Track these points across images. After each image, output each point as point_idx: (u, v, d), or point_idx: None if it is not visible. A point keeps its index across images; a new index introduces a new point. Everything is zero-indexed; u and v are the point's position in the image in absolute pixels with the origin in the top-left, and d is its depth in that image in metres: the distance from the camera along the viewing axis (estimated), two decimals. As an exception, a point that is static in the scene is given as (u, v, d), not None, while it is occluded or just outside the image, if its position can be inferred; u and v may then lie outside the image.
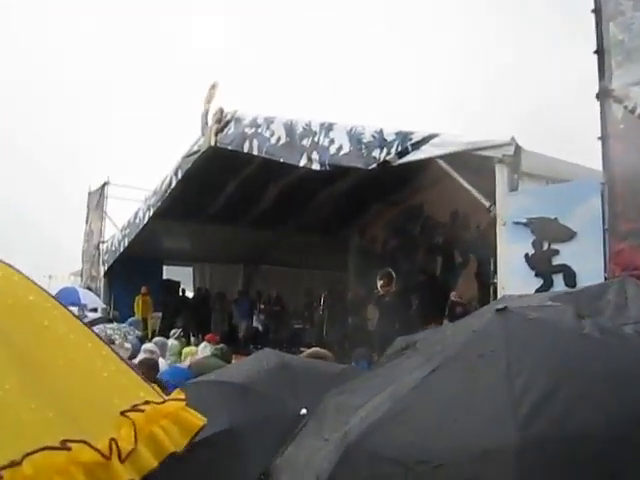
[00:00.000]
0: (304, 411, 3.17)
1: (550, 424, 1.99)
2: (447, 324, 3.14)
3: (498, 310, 2.49)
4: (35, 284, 2.24)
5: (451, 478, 2.03)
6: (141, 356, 8.94)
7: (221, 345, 10.37)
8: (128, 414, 1.91)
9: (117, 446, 1.78)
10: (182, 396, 2.20)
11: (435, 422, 2.19)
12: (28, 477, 1.56)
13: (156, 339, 11.89)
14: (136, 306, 20.06)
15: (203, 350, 11.43)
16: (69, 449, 1.67)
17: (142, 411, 1.97)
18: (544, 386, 2.09)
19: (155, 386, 2.22)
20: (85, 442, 1.71)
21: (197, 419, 2.14)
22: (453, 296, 14.42)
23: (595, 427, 1.96)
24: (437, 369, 2.37)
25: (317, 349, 8.92)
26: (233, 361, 10.04)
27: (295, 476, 2.47)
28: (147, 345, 10.08)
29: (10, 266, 2.21)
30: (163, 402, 2.09)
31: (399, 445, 2.17)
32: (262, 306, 21.70)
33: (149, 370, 7.45)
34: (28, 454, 1.59)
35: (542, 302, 2.69)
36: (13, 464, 1.55)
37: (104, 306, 18.94)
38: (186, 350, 11.81)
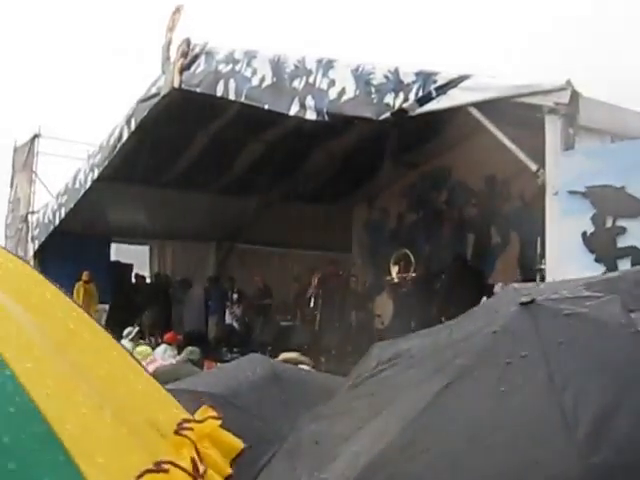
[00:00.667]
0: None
1: (616, 451, 1.99)
2: (442, 325, 2.97)
3: (523, 304, 2.44)
4: (44, 278, 2.47)
5: None
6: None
7: (192, 348, 10.38)
8: (183, 433, 2.17)
9: (198, 467, 2.06)
10: (215, 414, 2.43)
11: (461, 453, 2.15)
12: None
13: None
14: (75, 295, 20.05)
15: (163, 354, 11.46)
16: (167, 471, 1.94)
17: (191, 429, 2.22)
18: (599, 401, 2.09)
19: (175, 403, 2.46)
20: (174, 463, 1.97)
21: (236, 442, 2.40)
22: (500, 287, 14.47)
23: None
24: (453, 382, 2.34)
25: (291, 355, 9.00)
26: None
27: None
28: None
29: (17, 256, 2.50)
30: (202, 421, 2.34)
31: None
32: (235, 296, 21.67)
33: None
34: (140, 475, 1.84)
35: (576, 292, 2.60)
36: None
37: None
38: (138, 350, 11.80)
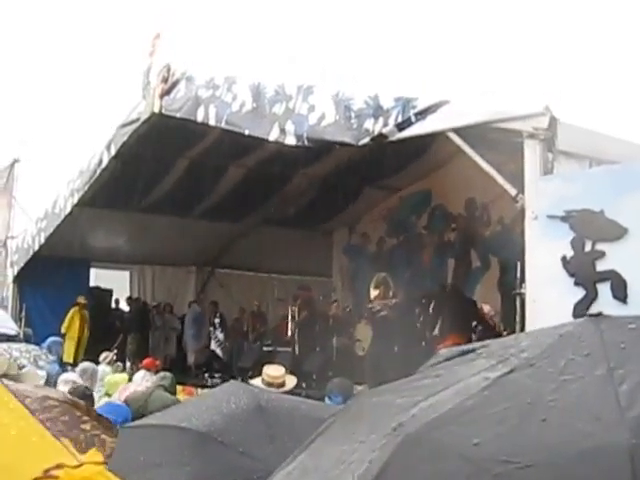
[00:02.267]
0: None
1: None
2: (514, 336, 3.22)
3: (591, 315, 2.63)
4: None
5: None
6: (62, 387, 8.91)
7: (164, 373, 10.30)
8: (49, 474, 2.15)
9: None
10: (100, 458, 2.45)
11: (516, 421, 2.28)
12: None
13: (83, 365, 11.82)
14: (68, 321, 19.99)
15: (141, 381, 11.36)
16: None
17: (55, 477, 2.19)
18: None
19: (69, 446, 2.44)
20: None
21: None
22: (487, 310, 14.47)
23: None
24: (515, 370, 2.47)
25: (275, 373, 8.96)
26: (179, 395, 10.04)
27: None
28: (66, 375, 10.02)
29: None
30: (79, 466, 2.29)
31: (471, 442, 2.23)
32: (217, 320, 21.62)
33: (84, 401, 7.46)
34: None
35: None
36: None
37: (16, 328, 18.84)
38: (116, 378, 11.71)
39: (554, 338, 2.62)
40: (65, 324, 19.83)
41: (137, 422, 4.71)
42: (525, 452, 2.17)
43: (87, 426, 4.22)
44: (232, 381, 4.94)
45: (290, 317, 19.31)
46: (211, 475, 3.52)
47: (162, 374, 10.04)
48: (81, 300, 20.18)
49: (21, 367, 9.59)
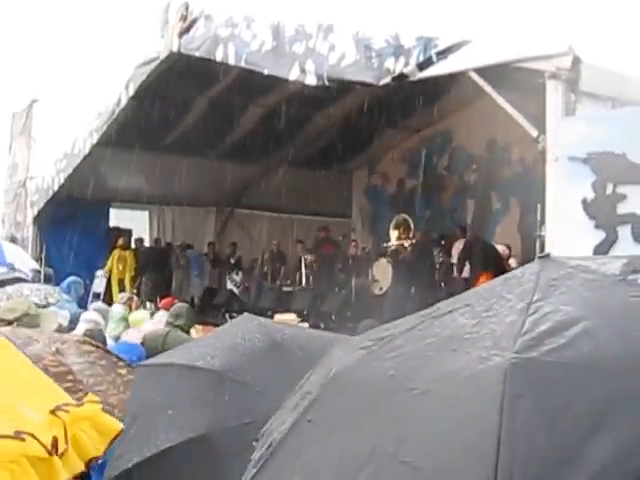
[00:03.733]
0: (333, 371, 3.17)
1: (550, 350, 2.23)
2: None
3: (540, 257, 2.78)
4: None
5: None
6: (82, 327, 9.00)
7: (178, 308, 9.93)
8: (58, 413, 2.27)
9: (57, 444, 2.15)
10: (97, 399, 2.57)
11: (431, 353, 2.51)
12: None
13: (95, 305, 11.90)
14: (109, 263, 20.27)
15: (160, 321, 11.42)
16: (23, 440, 2.05)
17: (67, 412, 2.32)
18: (559, 318, 2.33)
19: (61, 391, 2.57)
20: (34, 436, 2.08)
21: (114, 424, 2.53)
22: (502, 250, 14.48)
23: (605, 358, 2.20)
24: (453, 310, 2.71)
25: (286, 317, 9.02)
26: (192, 332, 10.00)
27: None
28: (88, 314, 10.06)
29: None
30: (80, 405, 2.45)
31: (387, 374, 2.52)
32: (232, 261, 21.77)
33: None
34: None
35: (602, 258, 2.99)
36: None
37: (35, 267, 19.02)
38: (132, 318, 11.77)
39: (500, 281, 2.83)
40: (107, 266, 20.16)
41: (152, 360, 4.71)
42: (427, 379, 2.39)
43: (123, 370, 4.31)
44: (246, 314, 4.86)
45: (308, 258, 19.40)
46: (230, 416, 3.54)
47: (176, 311, 9.66)
48: (121, 242, 20.44)
49: (43, 306, 9.68)
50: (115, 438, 2.49)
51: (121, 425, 2.53)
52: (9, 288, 10.96)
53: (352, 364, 2.75)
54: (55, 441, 2.14)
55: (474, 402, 2.24)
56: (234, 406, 3.61)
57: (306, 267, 19.48)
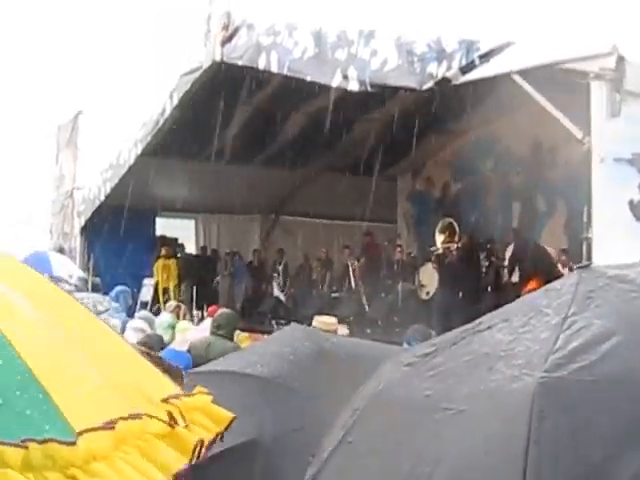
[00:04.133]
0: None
1: (579, 368, 2.24)
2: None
3: (579, 267, 2.75)
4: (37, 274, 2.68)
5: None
6: (129, 334, 9.08)
7: (220, 316, 9.79)
8: (171, 401, 2.30)
9: (176, 419, 2.21)
10: (207, 390, 2.54)
11: (467, 372, 2.53)
12: (119, 440, 1.99)
13: (141, 313, 12.01)
14: (155, 272, 20.47)
15: (205, 328, 11.47)
16: (141, 418, 2.09)
17: (179, 400, 2.34)
18: (591, 333, 2.33)
19: (170, 382, 2.57)
20: (151, 415, 2.14)
21: (226, 413, 2.49)
22: (558, 255, 14.34)
23: (633, 374, 2.21)
24: (492, 326, 2.72)
25: (326, 320, 8.98)
26: (246, 342, 10.03)
27: None
28: (134, 322, 10.15)
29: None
30: (192, 395, 2.46)
31: (423, 394, 2.55)
32: (279, 267, 21.83)
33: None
34: (113, 420, 2.01)
35: None
36: (106, 427, 1.98)
37: (82, 275, 19.20)
38: (179, 326, 11.85)
39: (540, 292, 2.82)
40: (155, 276, 20.42)
41: (200, 368, 4.78)
42: (462, 398, 2.40)
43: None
44: (293, 324, 4.94)
45: (355, 263, 19.39)
46: (279, 421, 3.59)
47: (217, 320, 9.38)
48: (164, 251, 20.64)
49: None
50: (229, 426, 2.48)
51: (232, 414, 2.51)
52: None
53: (395, 381, 2.81)
54: (172, 417, 2.20)
55: (504, 422, 2.28)
56: (283, 412, 3.66)
57: (353, 273, 19.46)
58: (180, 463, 2.14)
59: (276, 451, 3.44)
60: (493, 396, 2.34)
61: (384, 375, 2.86)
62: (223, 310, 10.48)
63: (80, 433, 1.89)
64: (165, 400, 2.29)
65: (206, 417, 2.39)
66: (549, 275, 12.57)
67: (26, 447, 1.79)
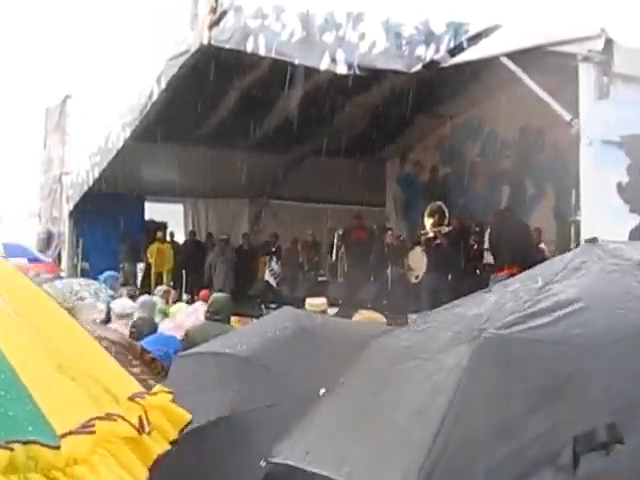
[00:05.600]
0: (323, 391, 3.17)
1: (528, 328, 2.41)
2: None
3: (587, 241, 2.92)
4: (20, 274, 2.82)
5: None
6: (123, 320, 9.03)
7: (214, 301, 9.81)
8: (136, 400, 2.38)
9: (143, 425, 2.28)
10: (168, 389, 2.66)
11: (444, 330, 2.74)
12: (96, 443, 2.03)
13: (141, 298, 11.99)
14: (149, 257, 20.43)
15: (197, 310, 11.46)
16: (115, 421, 2.15)
17: (143, 398, 2.42)
18: (558, 299, 2.49)
19: (133, 380, 2.67)
20: (123, 417, 2.19)
21: (184, 414, 2.57)
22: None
23: (578, 336, 2.35)
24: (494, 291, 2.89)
25: (317, 301, 9.01)
26: (235, 325, 10.01)
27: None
28: (121, 302, 10.08)
29: None
30: (153, 394, 2.54)
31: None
32: (273, 249, 21.75)
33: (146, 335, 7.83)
34: (91, 419, 2.06)
35: None
36: (87, 431, 2.02)
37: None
38: (171, 310, 11.85)
39: (549, 261, 3.11)
40: (148, 260, 20.38)
41: (188, 351, 4.84)
42: (432, 350, 2.62)
43: (136, 370, 4.41)
44: (284, 307, 4.97)
45: (343, 247, 19.37)
46: (255, 397, 3.61)
47: (214, 306, 9.26)
48: (159, 235, 20.60)
49: (82, 299, 9.80)
50: (185, 427, 2.56)
51: (190, 415, 2.58)
52: (58, 283, 11.13)
53: (384, 338, 3.09)
54: (141, 422, 2.25)
55: (447, 373, 2.40)
56: (257, 389, 3.69)
57: (341, 256, 19.44)
58: (144, 472, 2.19)
59: (248, 427, 3.48)
60: (452, 350, 2.47)
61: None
62: (218, 295, 10.41)
63: (63, 435, 1.91)
64: (131, 398, 2.36)
65: (165, 418, 2.45)
66: (528, 256, 12.61)
67: (11, 449, 1.80)
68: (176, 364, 4.43)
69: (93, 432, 2.00)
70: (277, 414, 3.29)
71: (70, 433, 1.94)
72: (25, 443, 1.81)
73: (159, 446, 2.32)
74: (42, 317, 2.50)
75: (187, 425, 2.55)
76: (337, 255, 19.33)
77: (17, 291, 2.54)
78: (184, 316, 10.89)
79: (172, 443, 2.43)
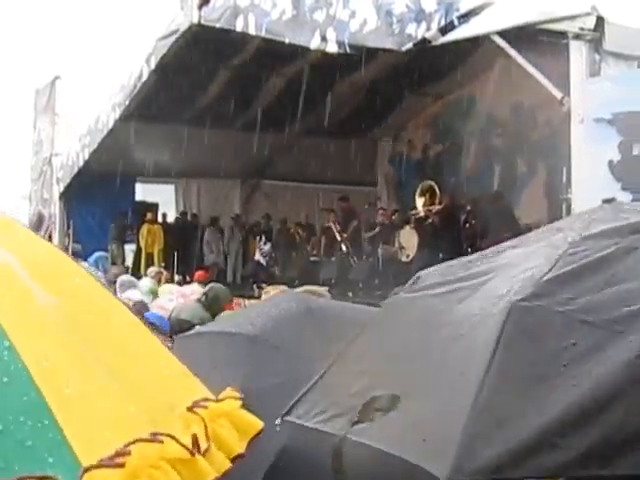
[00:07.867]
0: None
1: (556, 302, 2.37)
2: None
3: (605, 200, 2.95)
4: (63, 253, 2.60)
5: None
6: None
7: (209, 289, 9.86)
8: (196, 410, 2.19)
9: (198, 443, 2.03)
10: (237, 394, 2.48)
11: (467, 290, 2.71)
12: (128, 476, 1.78)
13: (122, 278, 12.01)
14: (140, 238, 20.38)
15: (193, 291, 11.47)
16: (161, 442, 1.92)
17: (206, 408, 2.23)
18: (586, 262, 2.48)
19: (197, 381, 2.44)
20: (172, 436, 1.96)
21: (255, 421, 2.41)
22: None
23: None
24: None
25: (313, 288, 9.01)
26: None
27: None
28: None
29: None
30: (221, 400, 2.37)
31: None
32: (264, 230, 21.77)
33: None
34: (129, 443, 1.81)
35: None
36: (116, 463, 1.77)
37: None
38: (161, 290, 11.87)
39: (575, 215, 3.36)
40: (139, 241, 20.34)
41: (190, 332, 4.85)
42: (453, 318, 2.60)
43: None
44: (284, 288, 5.03)
45: (334, 227, 19.38)
46: (262, 376, 3.62)
47: (210, 297, 9.28)
48: (149, 216, 20.55)
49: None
50: (256, 436, 2.36)
51: (262, 423, 2.40)
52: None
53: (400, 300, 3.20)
54: (195, 439, 2.04)
55: (477, 340, 2.39)
56: (266, 367, 3.70)
57: (333, 236, 19.45)
58: None
59: (257, 405, 3.48)
60: (474, 317, 2.48)
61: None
62: (217, 286, 10.31)
63: (87, 469, 1.69)
64: (191, 409, 2.19)
65: (232, 426, 2.29)
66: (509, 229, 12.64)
67: None
68: (179, 345, 4.37)
69: (122, 465, 1.76)
70: (287, 391, 3.22)
71: (97, 466, 1.72)
72: (40, 479, 1.61)
73: (216, 468, 2.09)
74: (93, 308, 2.29)
75: (259, 434, 2.38)
76: (332, 235, 19.31)
77: (61, 274, 2.30)
78: (166, 300, 10.87)
79: (240, 456, 2.23)
